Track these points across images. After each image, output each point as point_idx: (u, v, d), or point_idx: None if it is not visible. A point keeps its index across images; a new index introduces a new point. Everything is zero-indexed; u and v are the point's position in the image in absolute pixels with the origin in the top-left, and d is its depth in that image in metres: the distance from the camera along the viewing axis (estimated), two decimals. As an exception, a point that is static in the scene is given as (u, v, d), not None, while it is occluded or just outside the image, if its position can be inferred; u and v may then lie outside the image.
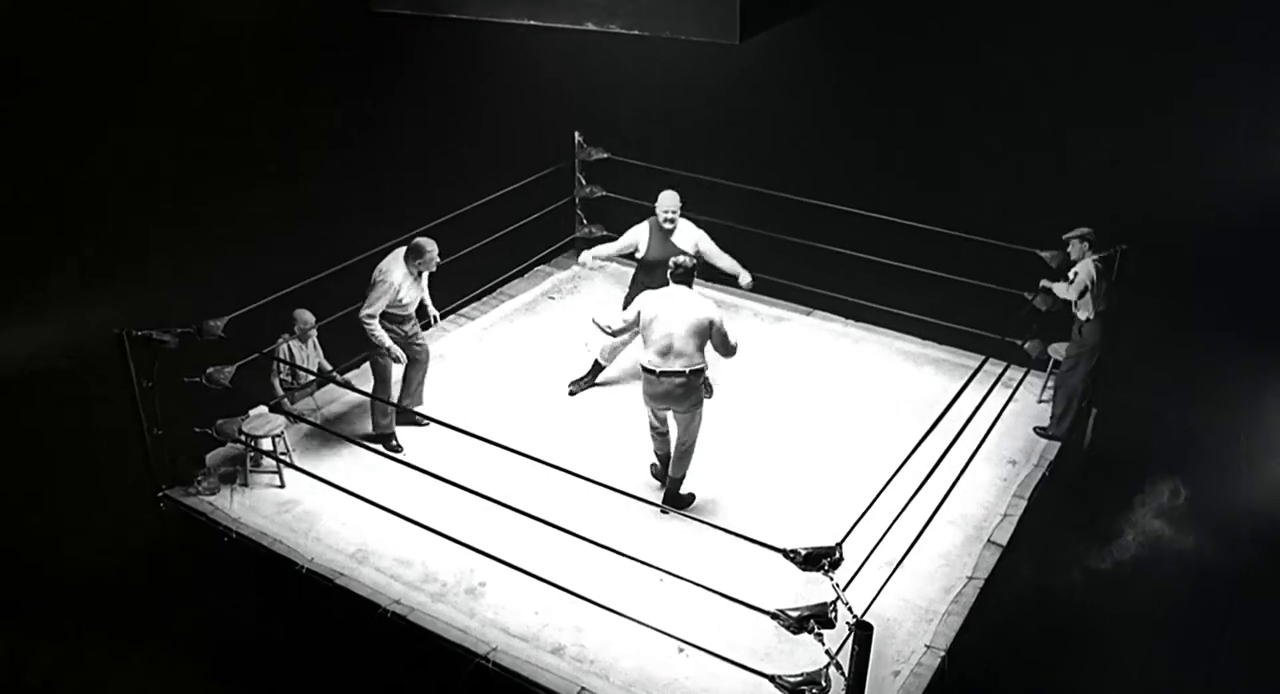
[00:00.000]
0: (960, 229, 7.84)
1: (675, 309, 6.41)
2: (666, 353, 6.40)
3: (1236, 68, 9.72)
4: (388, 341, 7.07)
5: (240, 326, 6.77)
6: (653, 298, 6.54)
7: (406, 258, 7.05)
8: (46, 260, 9.69)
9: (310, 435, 7.51)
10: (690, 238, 7.71)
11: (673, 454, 6.80)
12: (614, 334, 6.93)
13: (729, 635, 5.56)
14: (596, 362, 8.13)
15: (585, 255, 7.95)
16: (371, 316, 6.99)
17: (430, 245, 7.08)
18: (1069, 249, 7.28)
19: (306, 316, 7.28)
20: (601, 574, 5.82)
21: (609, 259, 8.12)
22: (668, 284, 6.56)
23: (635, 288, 7.72)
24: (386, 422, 7.41)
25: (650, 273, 7.58)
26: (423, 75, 11.30)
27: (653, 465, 7.13)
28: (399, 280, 6.99)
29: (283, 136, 10.86)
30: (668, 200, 7.63)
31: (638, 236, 7.73)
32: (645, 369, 6.53)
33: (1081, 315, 7.29)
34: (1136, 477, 7.78)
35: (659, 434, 6.85)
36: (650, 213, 7.72)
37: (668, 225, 7.62)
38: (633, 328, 6.68)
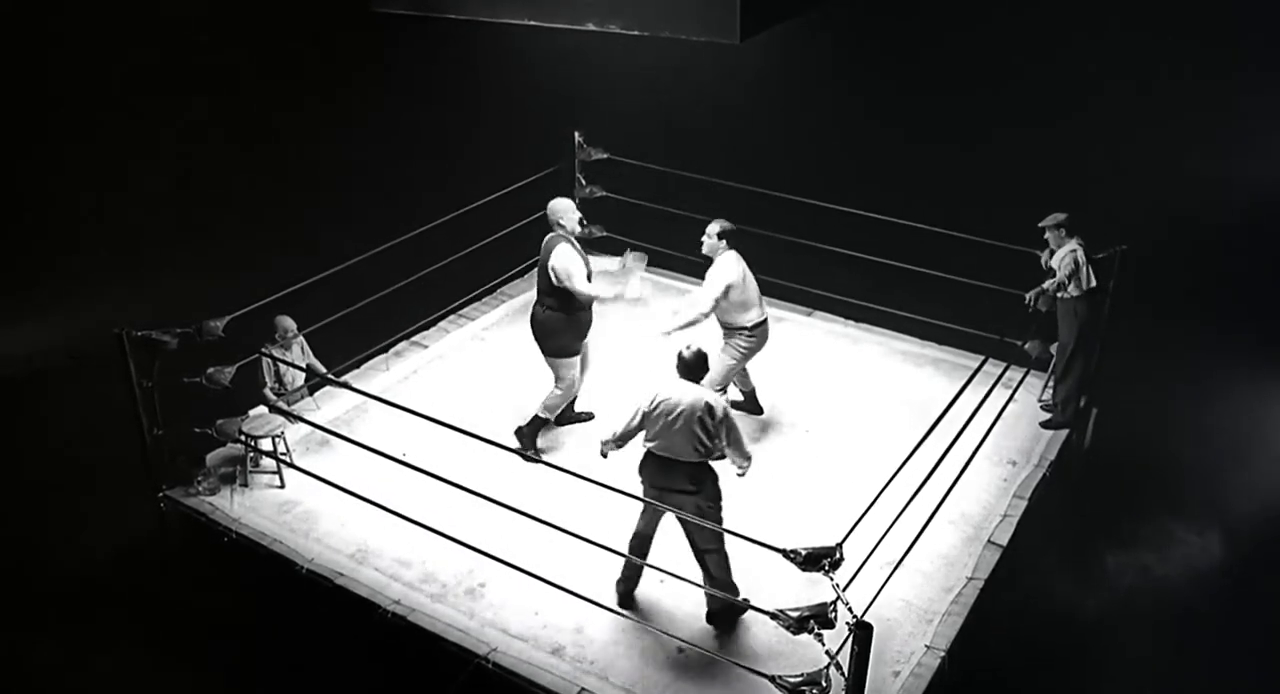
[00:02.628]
0: (960, 229, 7.84)
1: (744, 264, 6.95)
2: (760, 300, 6.98)
3: (1237, 67, 9.72)
4: None
5: (240, 327, 6.77)
6: (730, 267, 6.83)
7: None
8: (46, 260, 9.68)
9: (310, 435, 7.51)
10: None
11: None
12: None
13: (729, 635, 5.56)
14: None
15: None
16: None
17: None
18: (1045, 236, 7.29)
19: (287, 323, 7.26)
20: (601, 574, 5.82)
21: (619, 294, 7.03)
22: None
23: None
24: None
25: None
26: (422, 75, 11.28)
27: None
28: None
29: (282, 137, 10.85)
30: (571, 205, 7.10)
31: (579, 263, 6.93)
32: (759, 324, 6.96)
33: (1074, 292, 7.26)
34: (1137, 478, 7.78)
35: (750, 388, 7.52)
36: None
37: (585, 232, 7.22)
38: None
